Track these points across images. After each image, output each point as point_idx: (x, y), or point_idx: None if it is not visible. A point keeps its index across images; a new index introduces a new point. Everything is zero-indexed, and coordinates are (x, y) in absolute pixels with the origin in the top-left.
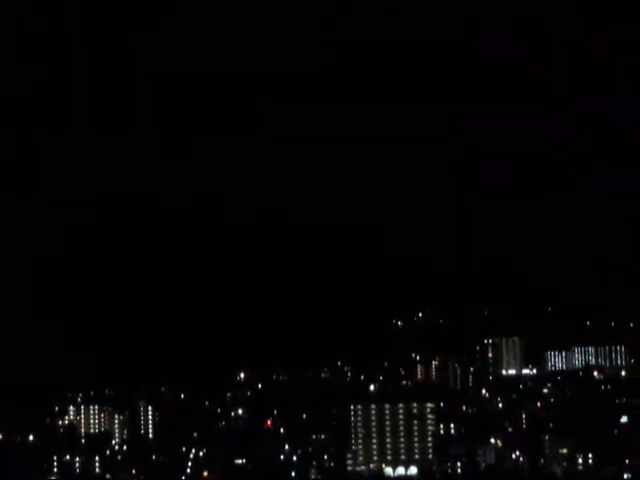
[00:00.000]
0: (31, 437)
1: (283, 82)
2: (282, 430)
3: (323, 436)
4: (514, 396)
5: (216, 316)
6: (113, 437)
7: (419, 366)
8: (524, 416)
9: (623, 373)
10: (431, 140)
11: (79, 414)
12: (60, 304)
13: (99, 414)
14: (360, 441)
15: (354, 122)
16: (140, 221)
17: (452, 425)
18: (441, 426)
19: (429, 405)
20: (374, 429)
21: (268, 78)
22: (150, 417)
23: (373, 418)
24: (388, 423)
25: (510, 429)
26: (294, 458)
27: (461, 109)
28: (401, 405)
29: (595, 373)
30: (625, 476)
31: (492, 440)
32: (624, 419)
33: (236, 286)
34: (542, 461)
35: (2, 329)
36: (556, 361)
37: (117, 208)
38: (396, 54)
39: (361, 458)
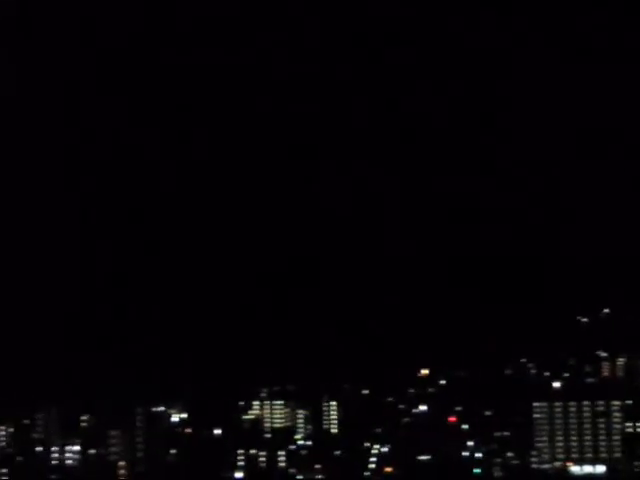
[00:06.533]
0: (217, 431)
1: None
2: (465, 427)
3: (506, 433)
4: None
5: (400, 313)
6: (297, 432)
7: (604, 363)
8: None
9: None
10: None
11: (263, 409)
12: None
13: (283, 409)
14: (544, 439)
15: None
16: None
17: None
18: (627, 424)
19: (615, 403)
20: (558, 427)
21: None
22: (333, 412)
23: (557, 416)
24: (573, 421)
25: None
26: (477, 455)
27: None
28: (586, 403)
29: None
30: None
31: None
32: None
33: (423, 286)
34: None
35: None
36: None
37: None
38: None
39: (545, 456)
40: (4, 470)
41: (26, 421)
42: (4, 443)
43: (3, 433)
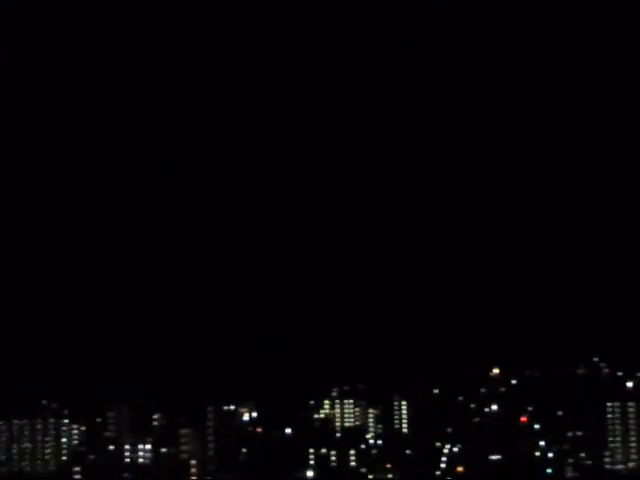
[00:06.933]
0: (288, 430)
1: None
2: (537, 426)
3: (579, 433)
4: None
5: (471, 313)
6: (368, 431)
7: None
8: None
9: None
10: None
11: (334, 408)
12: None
13: (354, 408)
14: (618, 439)
15: None
16: None
17: None
18: None
19: None
20: (632, 427)
21: None
22: (404, 412)
23: (631, 415)
24: None
25: None
26: (549, 455)
27: None
28: None
29: None
30: None
31: None
32: None
33: (495, 286)
34: None
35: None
36: None
37: None
38: None
39: (619, 456)
40: (77, 468)
41: (98, 419)
42: (77, 441)
43: (76, 431)
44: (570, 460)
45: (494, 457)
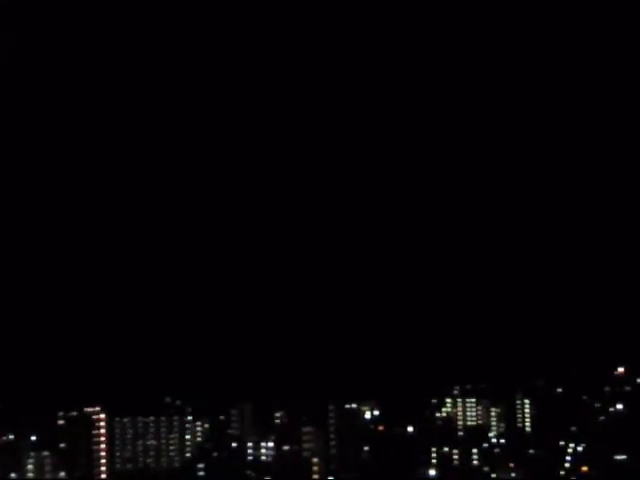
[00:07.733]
0: (410, 428)
1: None
2: None
3: None
4: None
5: (595, 311)
6: (490, 430)
7: None
8: None
9: None
10: None
11: (456, 407)
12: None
13: (476, 407)
14: None
15: None
16: None
17: None
18: None
19: None
20: None
21: None
22: (527, 411)
23: None
24: None
25: None
26: None
27: None
28: None
29: None
30: None
31: None
32: None
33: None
34: None
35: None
36: None
37: None
38: None
39: None
40: (201, 465)
41: (222, 417)
42: (201, 439)
43: (199, 429)
44: None
45: (619, 457)
